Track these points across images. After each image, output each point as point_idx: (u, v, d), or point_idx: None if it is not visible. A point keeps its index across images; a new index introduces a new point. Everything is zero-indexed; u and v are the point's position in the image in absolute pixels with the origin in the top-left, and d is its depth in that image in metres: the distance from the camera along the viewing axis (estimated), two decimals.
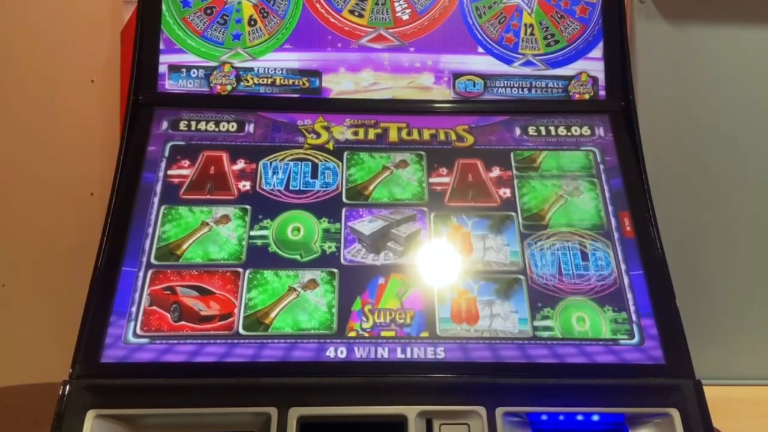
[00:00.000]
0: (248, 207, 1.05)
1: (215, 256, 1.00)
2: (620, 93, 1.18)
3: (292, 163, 1.09)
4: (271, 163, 1.09)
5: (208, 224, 1.03)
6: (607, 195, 1.08)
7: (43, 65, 1.48)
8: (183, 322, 0.94)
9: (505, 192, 1.08)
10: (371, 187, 1.08)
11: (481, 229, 1.04)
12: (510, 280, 1.00)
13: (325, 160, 1.10)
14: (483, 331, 0.95)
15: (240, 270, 0.99)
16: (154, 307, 0.95)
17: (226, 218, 1.04)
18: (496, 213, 1.06)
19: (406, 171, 1.10)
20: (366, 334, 0.94)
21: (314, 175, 1.09)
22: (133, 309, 0.94)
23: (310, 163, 1.10)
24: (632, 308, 0.97)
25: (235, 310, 0.95)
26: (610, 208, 1.07)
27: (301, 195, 1.07)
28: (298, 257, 1.00)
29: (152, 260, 0.99)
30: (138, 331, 0.93)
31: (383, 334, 0.94)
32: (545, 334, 0.95)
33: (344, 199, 1.06)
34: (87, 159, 1.48)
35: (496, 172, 1.11)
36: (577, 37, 1.22)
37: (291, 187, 1.07)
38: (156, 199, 1.04)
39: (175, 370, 0.90)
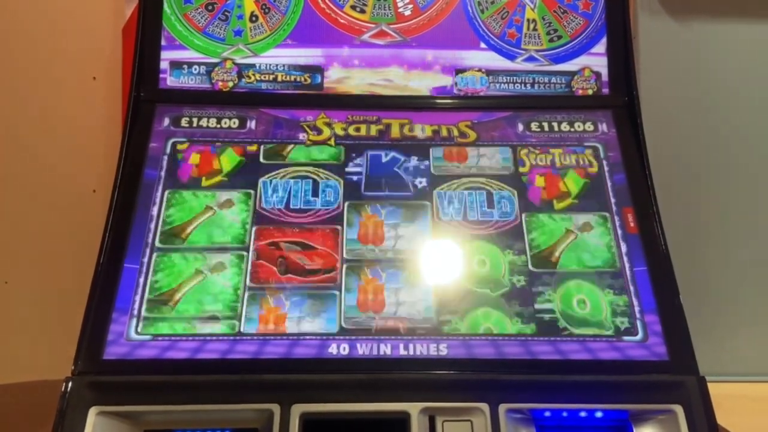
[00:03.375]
0: (251, 192, 1.05)
1: (218, 239, 1.01)
2: (623, 88, 1.18)
3: (292, 181, 1.08)
4: (271, 181, 1.08)
5: (212, 208, 1.04)
6: (611, 190, 1.08)
7: (44, 62, 1.47)
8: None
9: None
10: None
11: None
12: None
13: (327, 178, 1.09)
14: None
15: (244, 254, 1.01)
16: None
17: (229, 202, 1.04)
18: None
19: None
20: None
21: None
22: (135, 306, 0.94)
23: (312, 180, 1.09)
24: (636, 304, 0.97)
25: None
26: (613, 201, 1.06)
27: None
28: None
29: (157, 244, 1.00)
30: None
31: None
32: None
33: None
34: (89, 156, 1.47)
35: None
36: (580, 32, 1.21)
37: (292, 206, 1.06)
38: (158, 194, 1.04)
39: (177, 367, 0.90)
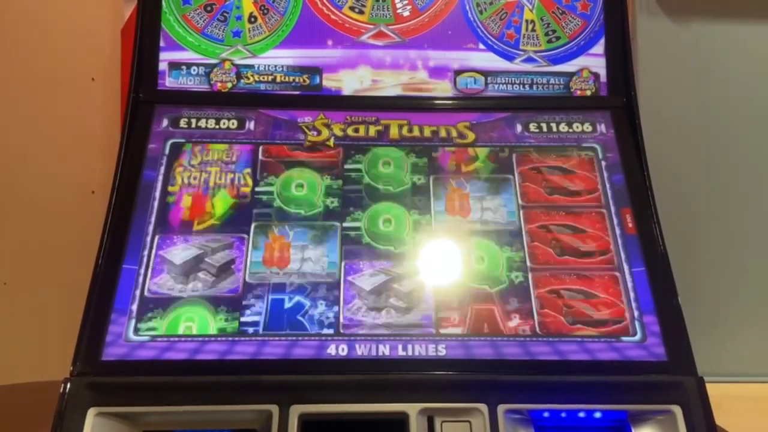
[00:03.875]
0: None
1: None
2: (622, 89, 1.18)
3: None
4: None
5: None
6: (609, 191, 1.08)
7: (43, 63, 1.48)
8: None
9: None
10: None
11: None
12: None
13: None
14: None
15: None
16: None
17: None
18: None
19: None
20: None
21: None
22: (134, 307, 0.94)
23: None
24: (634, 305, 0.97)
25: None
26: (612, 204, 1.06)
27: None
28: None
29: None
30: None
31: None
32: None
33: None
34: (87, 157, 1.48)
35: None
36: (579, 33, 1.21)
37: None
38: (157, 196, 1.04)
39: (176, 368, 0.90)
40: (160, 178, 1.06)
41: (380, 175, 1.09)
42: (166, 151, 1.09)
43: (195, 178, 1.06)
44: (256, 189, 1.06)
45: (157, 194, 1.04)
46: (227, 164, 1.08)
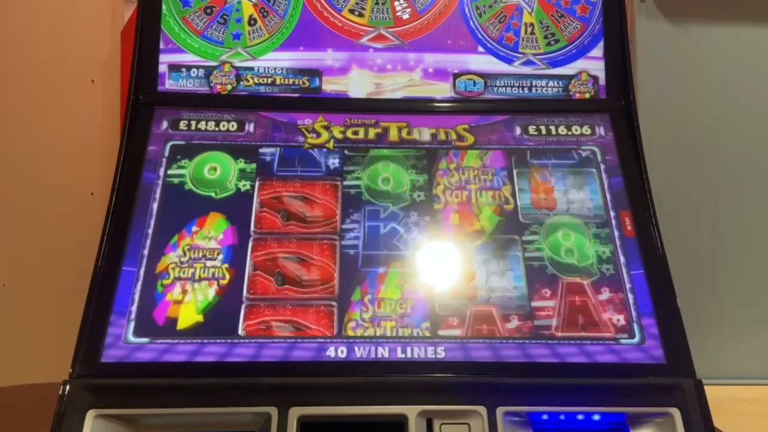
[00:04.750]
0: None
1: None
2: (621, 92, 1.18)
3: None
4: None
5: None
6: (608, 194, 1.08)
7: (43, 65, 1.48)
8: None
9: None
10: None
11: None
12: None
13: None
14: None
15: None
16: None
17: None
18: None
19: None
20: (366, 325, 0.94)
21: None
22: (133, 308, 0.94)
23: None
24: (633, 307, 0.97)
25: None
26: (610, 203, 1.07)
27: None
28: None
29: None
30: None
31: (383, 324, 0.95)
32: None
33: None
34: (87, 158, 1.48)
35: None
36: (578, 36, 1.22)
37: None
38: (156, 199, 1.04)
39: (175, 370, 0.90)
40: (160, 180, 1.06)
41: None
42: (166, 153, 1.09)
43: None
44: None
45: (157, 196, 1.04)
46: None
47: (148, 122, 1.12)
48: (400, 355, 0.92)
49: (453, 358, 0.92)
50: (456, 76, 1.19)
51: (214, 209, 1.04)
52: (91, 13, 1.48)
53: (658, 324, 0.96)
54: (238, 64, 1.18)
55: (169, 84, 1.17)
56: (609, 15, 1.22)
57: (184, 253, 0.99)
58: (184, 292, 0.96)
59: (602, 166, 1.11)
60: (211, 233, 1.01)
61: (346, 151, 1.10)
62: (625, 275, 1.00)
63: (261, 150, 1.10)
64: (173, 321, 0.94)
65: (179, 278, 0.98)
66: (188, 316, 0.95)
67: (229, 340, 0.92)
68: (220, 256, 0.99)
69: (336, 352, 0.92)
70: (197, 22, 1.19)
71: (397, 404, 0.88)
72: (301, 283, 0.98)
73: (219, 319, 0.95)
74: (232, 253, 1.00)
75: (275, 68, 1.18)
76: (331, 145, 1.12)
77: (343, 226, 1.03)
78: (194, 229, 1.02)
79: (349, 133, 1.14)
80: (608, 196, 1.08)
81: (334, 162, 1.09)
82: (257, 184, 1.06)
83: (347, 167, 1.09)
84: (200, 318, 0.95)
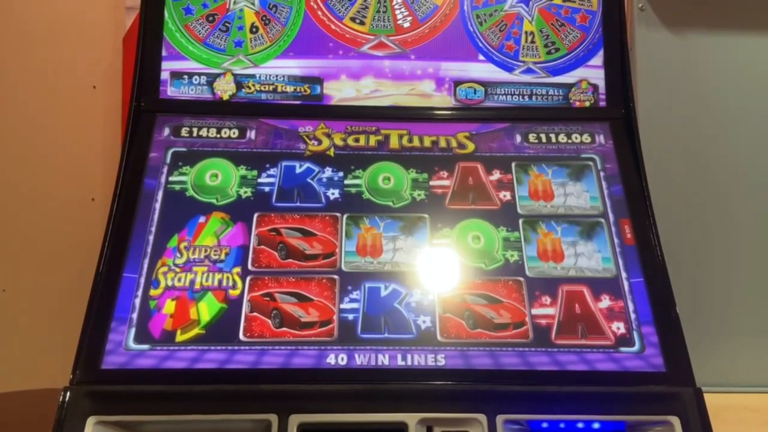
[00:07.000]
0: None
1: None
2: (620, 100, 1.19)
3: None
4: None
5: None
6: (608, 202, 1.08)
7: (45, 71, 1.48)
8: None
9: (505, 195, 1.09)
10: None
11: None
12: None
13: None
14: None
15: None
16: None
17: None
18: None
19: None
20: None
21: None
22: (134, 315, 0.94)
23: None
24: (633, 315, 0.97)
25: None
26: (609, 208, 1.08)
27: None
28: None
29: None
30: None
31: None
32: None
33: None
34: (89, 165, 1.48)
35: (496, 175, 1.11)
36: (578, 44, 1.22)
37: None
38: (157, 205, 1.04)
39: (175, 377, 0.91)
40: (161, 186, 1.06)
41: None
42: (167, 160, 1.09)
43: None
44: None
45: (158, 203, 1.05)
46: None
47: (149, 129, 1.12)
48: (400, 362, 0.93)
49: (453, 365, 0.93)
50: (457, 84, 1.20)
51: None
52: (93, 20, 1.48)
53: (658, 332, 0.96)
54: (239, 71, 1.18)
55: (171, 91, 1.17)
56: (609, 24, 1.22)
57: (182, 256, 1.00)
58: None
59: (602, 174, 1.11)
60: (212, 239, 1.02)
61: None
62: (625, 283, 1.00)
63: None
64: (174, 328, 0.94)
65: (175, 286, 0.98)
66: (192, 322, 0.96)
67: (229, 347, 0.93)
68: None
69: (336, 359, 0.93)
70: (199, 30, 1.20)
71: (397, 412, 0.88)
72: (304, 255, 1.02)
73: (221, 325, 0.95)
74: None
75: (277, 75, 1.19)
76: (331, 152, 1.12)
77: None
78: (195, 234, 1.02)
79: (350, 141, 1.14)
80: (608, 203, 1.08)
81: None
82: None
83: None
84: (204, 324, 0.95)
